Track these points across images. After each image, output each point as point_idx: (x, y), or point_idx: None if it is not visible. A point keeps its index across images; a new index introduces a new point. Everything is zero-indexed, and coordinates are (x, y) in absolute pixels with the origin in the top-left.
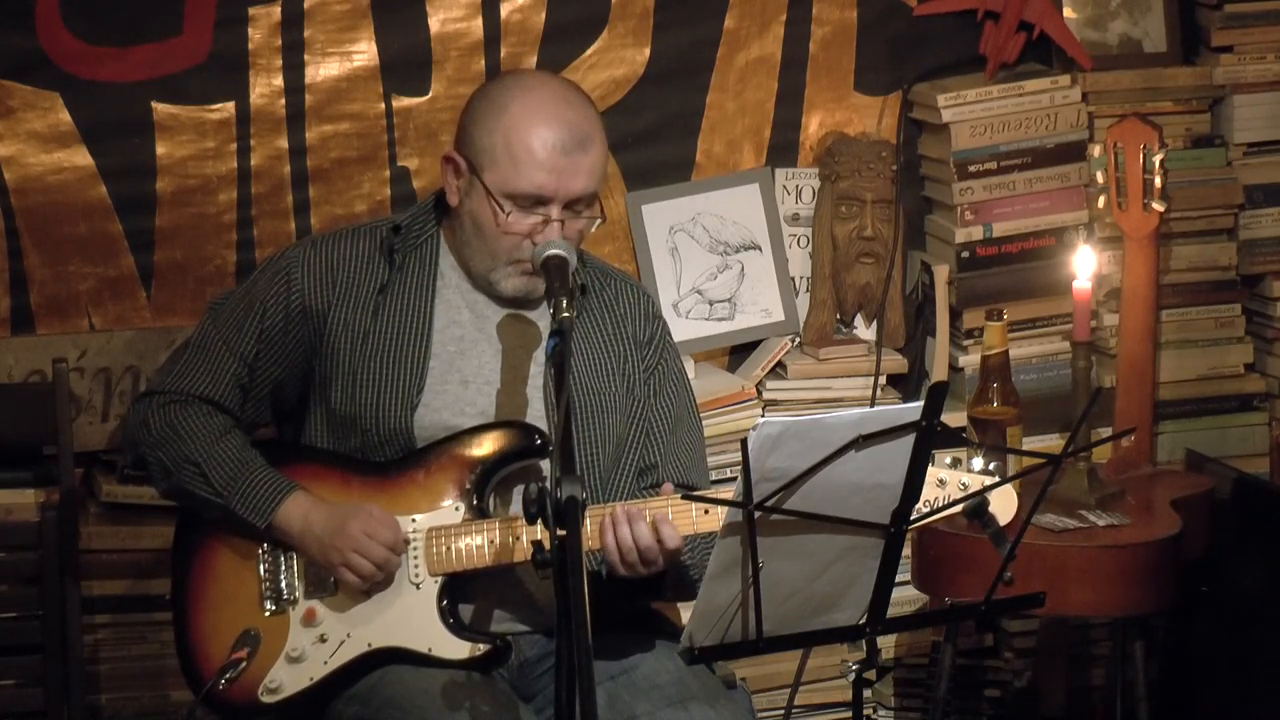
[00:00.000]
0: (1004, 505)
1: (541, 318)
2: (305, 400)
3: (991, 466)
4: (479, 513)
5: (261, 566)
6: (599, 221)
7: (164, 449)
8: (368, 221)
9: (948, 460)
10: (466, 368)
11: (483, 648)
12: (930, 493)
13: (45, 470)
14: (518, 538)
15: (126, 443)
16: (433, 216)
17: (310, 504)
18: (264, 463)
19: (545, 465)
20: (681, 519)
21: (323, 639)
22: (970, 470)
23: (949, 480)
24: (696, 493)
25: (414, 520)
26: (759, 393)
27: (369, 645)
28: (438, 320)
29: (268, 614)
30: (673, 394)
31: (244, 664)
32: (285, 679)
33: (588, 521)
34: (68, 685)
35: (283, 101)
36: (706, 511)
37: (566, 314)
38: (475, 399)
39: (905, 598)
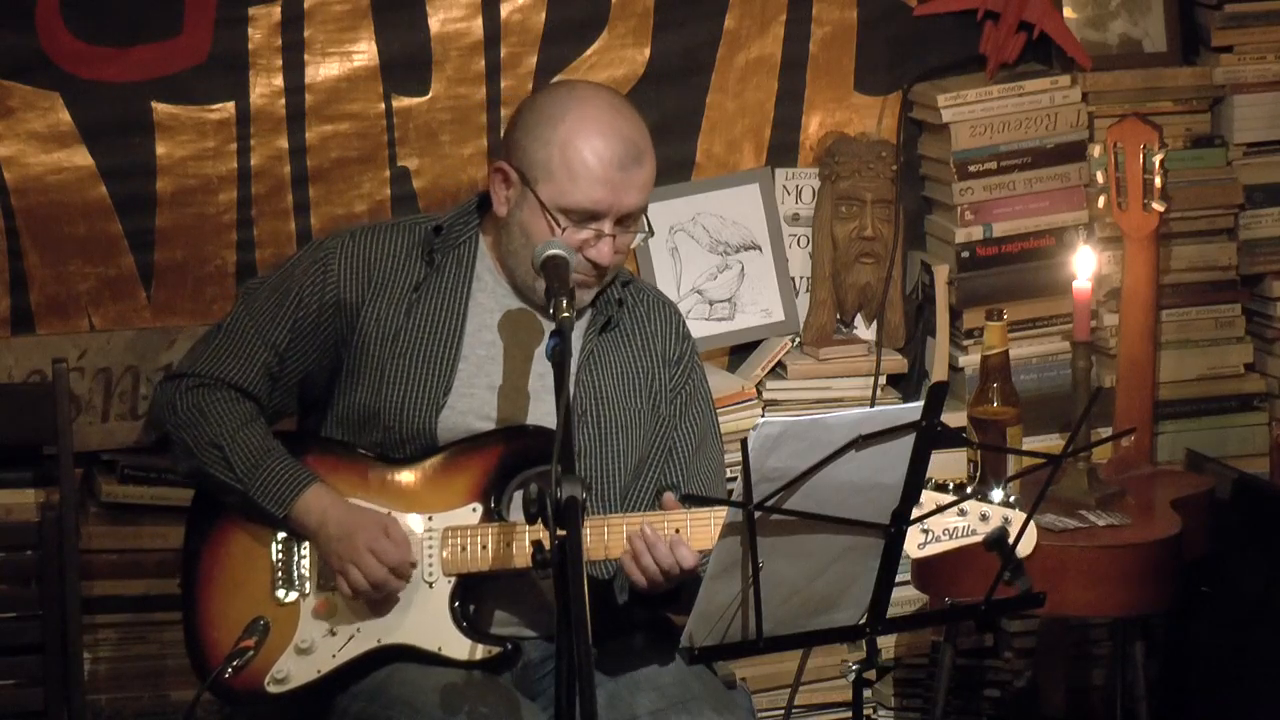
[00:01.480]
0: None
1: (574, 328)
2: (330, 391)
3: (1012, 500)
4: (496, 515)
5: (275, 555)
6: (642, 236)
7: (189, 430)
8: (408, 218)
9: (968, 490)
10: (495, 372)
11: (493, 650)
12: (950, 521)
13: (45, 470)
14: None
15: (153, 421)
16: (474, 219)
17: (330, 500)
18: (285, 453)
19: None
20: (701, 533)
21: (332, 632)
22: (990, 501)
23: (970, 510)
24: (696, 494)
25: (430, 519)
26: (759, 393)
27: (378, 641)
28: (470, 324)
29: (279, 604)
30: (698, 415)
31: (251, 653)
32: (293, 670)
33: (605, 530)
34: (68, 685)
35: (283, 101)
36: None
37: (566, 314)
38: (500, 404)
39: (905, 598)
